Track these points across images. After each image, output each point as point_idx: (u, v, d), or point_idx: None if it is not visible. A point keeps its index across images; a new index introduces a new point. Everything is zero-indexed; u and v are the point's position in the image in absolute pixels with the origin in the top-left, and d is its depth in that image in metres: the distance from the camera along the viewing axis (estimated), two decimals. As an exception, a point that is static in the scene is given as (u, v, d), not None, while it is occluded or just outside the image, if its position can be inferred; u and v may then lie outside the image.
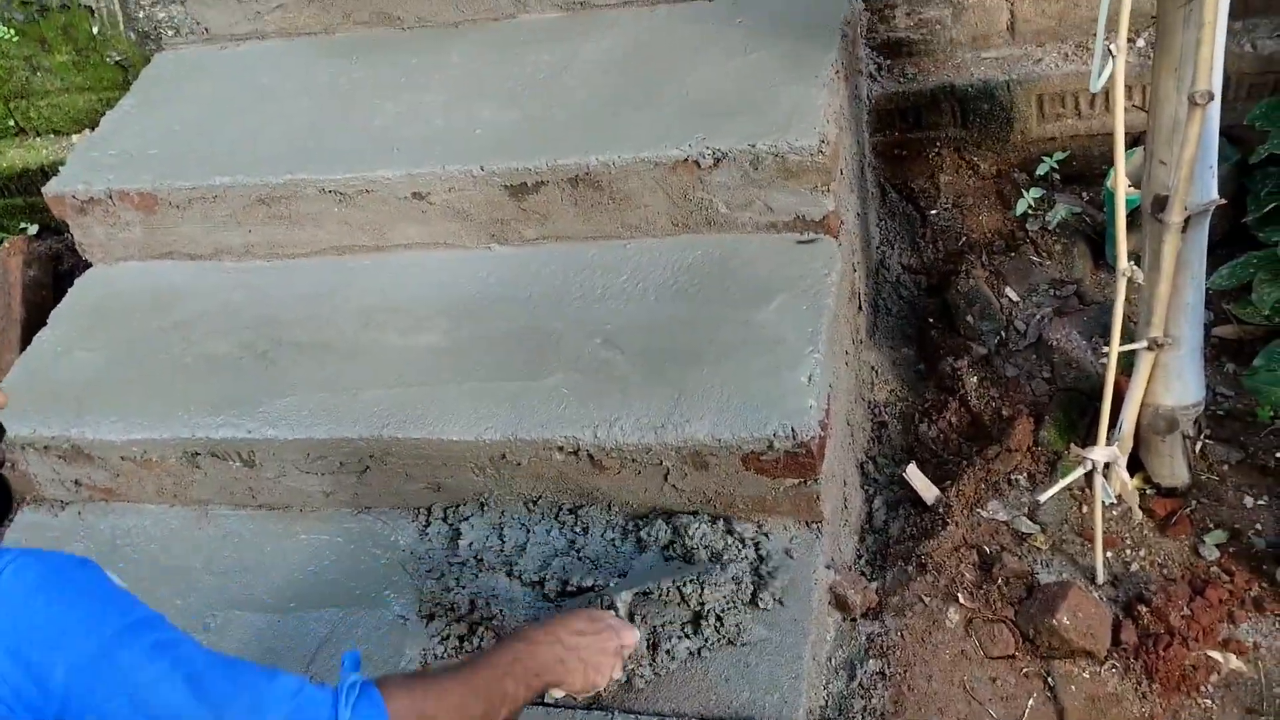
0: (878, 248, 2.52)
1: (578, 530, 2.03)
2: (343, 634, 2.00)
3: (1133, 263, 1.69)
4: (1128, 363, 1.88)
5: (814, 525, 1.95)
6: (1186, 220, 1.75)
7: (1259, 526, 1.93)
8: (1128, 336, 1.84)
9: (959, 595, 1.90)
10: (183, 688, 1.14)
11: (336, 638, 2.00)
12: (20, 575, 1.12)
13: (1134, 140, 2.44)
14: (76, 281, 2.60)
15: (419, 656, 1.92)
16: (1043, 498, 1.88)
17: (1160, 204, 1.76)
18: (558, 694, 1.55)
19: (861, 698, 1.82)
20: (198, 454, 2.16)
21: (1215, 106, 1.68)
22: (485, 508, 2.12)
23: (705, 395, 1.92)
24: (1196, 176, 1.72)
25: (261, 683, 1.19)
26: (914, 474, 2.09)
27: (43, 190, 2.52)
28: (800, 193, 2.09)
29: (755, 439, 1.84)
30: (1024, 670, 1.82)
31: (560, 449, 1.96)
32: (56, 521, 2.37)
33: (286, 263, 2.46)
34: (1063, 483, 1.86)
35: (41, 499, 2.42)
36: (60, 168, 2.57)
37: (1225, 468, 2.03)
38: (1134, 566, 1.92)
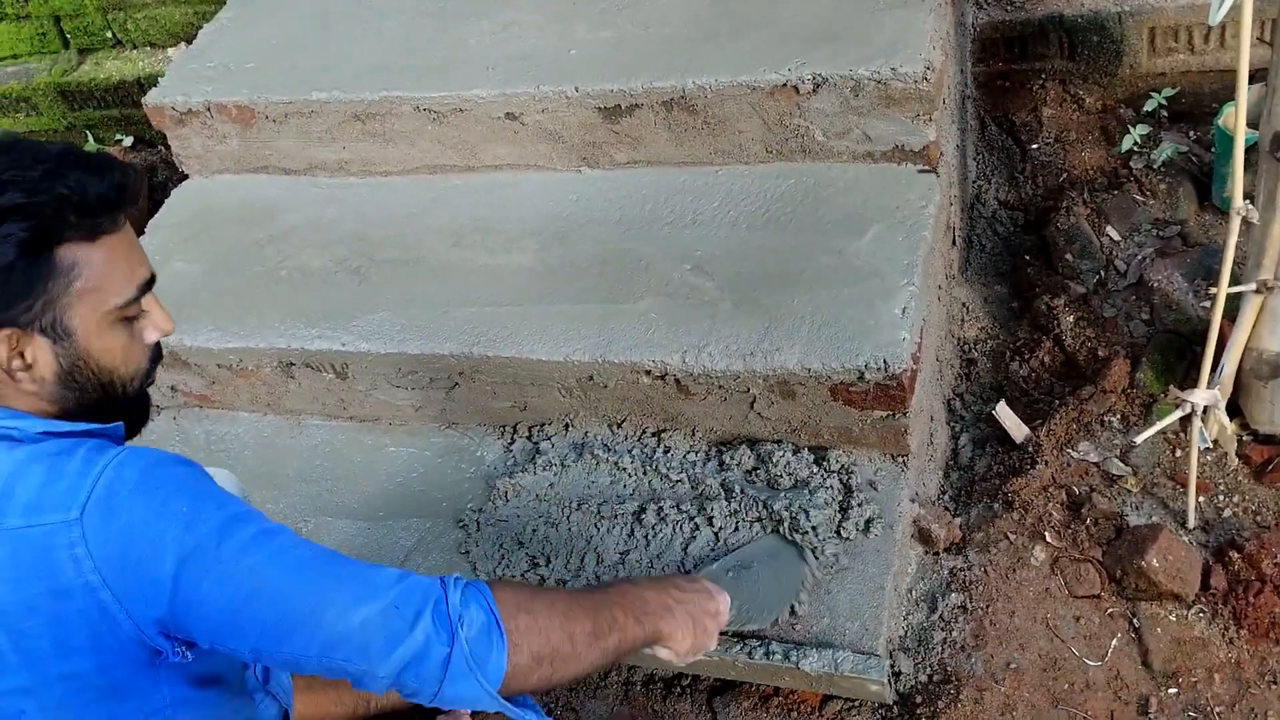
0: (974, 182, 2.47)
1: (661, 452, 2.04)
2: (430, 543, 2.05)
3: (1248, 202, 1.64)
4: (1231, 306, 1.83)
5: (900, 459, 1.94)
6: (1308, 159, 1.68)
7: (1360, 478, 1.88)
8: (1234, 279, 1.78)
9: (1045, 534, 1.89)
10: (291, 574, 1.17)
11: (424, 546, 2.05)
12: (121, 472, 1.15)
13: (1249, 78, 2.35)
14: (173, 192, 2.65)
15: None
16: (1139, 439, 1.85)
17: (1279, 143, 1.70)
18: (663, 653, 1.46)
19: (942, 629, 1.82)
20: (292, 364, 2.21)
21: (1347, 39, 1.61)
22: (570, 428, 2.15)
23: (796, 324, 1.91)
24: (1321, 114, 1.65)
25: (367, 570, 1.22)
26: (1004, 412, 2.07)
27: (142, 101, 2.57)
28: (901, 121, 2.05)
29: (845, 369, 1.83)
30: (1109, 610, 1.80)
31: (648, 373, 1.97)
32: (153, 426, 2.44)
33: (379, 180, 2.49)
34: (1160, 424, 1.82)
35: (140, 403, 2.50)
36: (158, 79, 2.61)
37: (1327, 417, 1.98)
38: (1226, 513, 1.89)
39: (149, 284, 1.27)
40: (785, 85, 2.06)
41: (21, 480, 1.14)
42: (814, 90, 2.05)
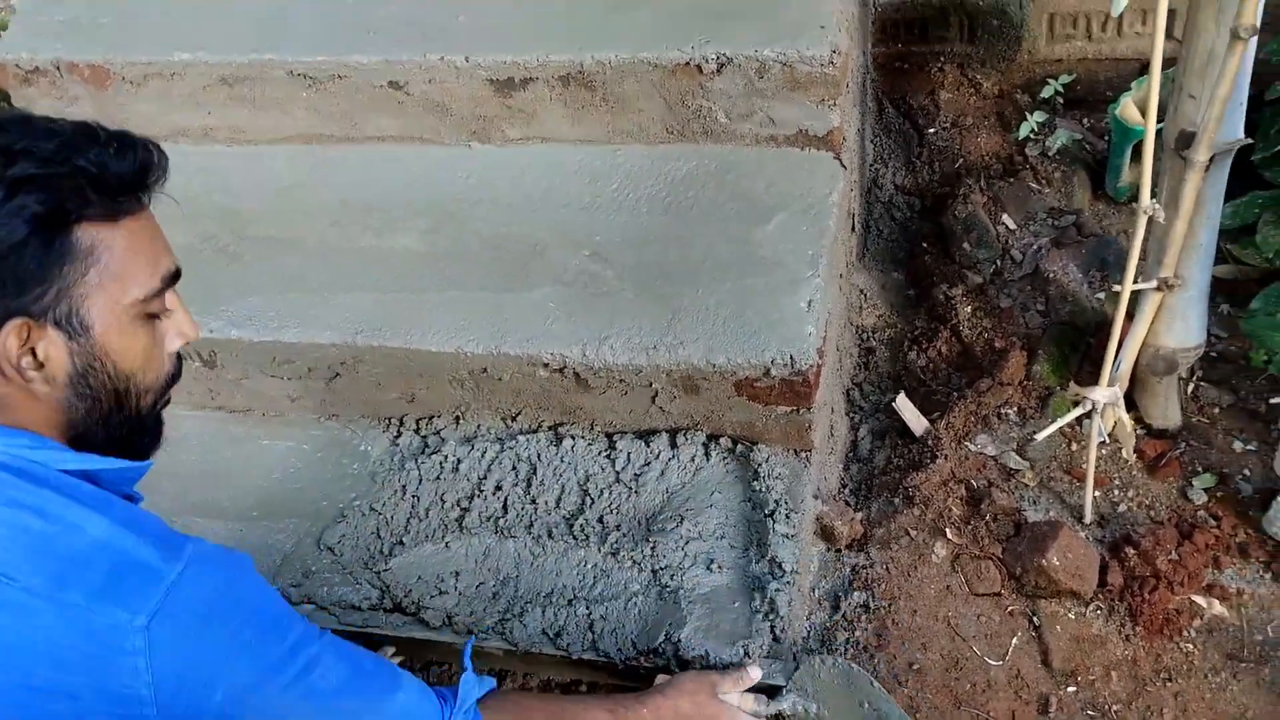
0: (872, 165, 2.43)
1: (559, 446, 1.96)
2: (307, 548, 1.92)
3: (1154, 201, 1.62)
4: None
5: (803, 454, 1.90)
6: (1210, 159, 1.68)
7: (1247, 472, 1.92)
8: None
9: (946, 530, 1.87)
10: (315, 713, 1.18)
11: (301, 552, 1.92)
12: (199, 588, 1.08)
13: (1141, 69, 2.37)
14: (18, 158, 2.41)
15: (391, 574, 1.85)
16: (1040, 436, 1.85)
17: (1186, 140, 1.69)
18: None
19: (845, 629, 1.79)
20: (155, 352, 2.04)
21: (1254, 42, 1.60)
22: (460, 421, 2.04)
23: (700, 316, 1.84)
24: (1226, 114, 1.65)
25: (384, 700, 1.25)
26: (904, 404, 2.04)
27: (-20, 56, 2.33)
28: (806, 105, 1.99)
29: (751, 365, 1.77)
30: (1009, 608, 1.80)
31: (545, 365, 1.87)
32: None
33: (250, 149, 2.31)
34: (1061, 421, 1.82)
35: None
36: (1, 32, 2.37)
37: (1216, 411, 2.01)
38: (1122, 508, 1.91)
39: (175, 277, 1.17)
40: (688, 64, 1.98)
41: (69, 538, 1.03)
42: (717, 70, 1.97)
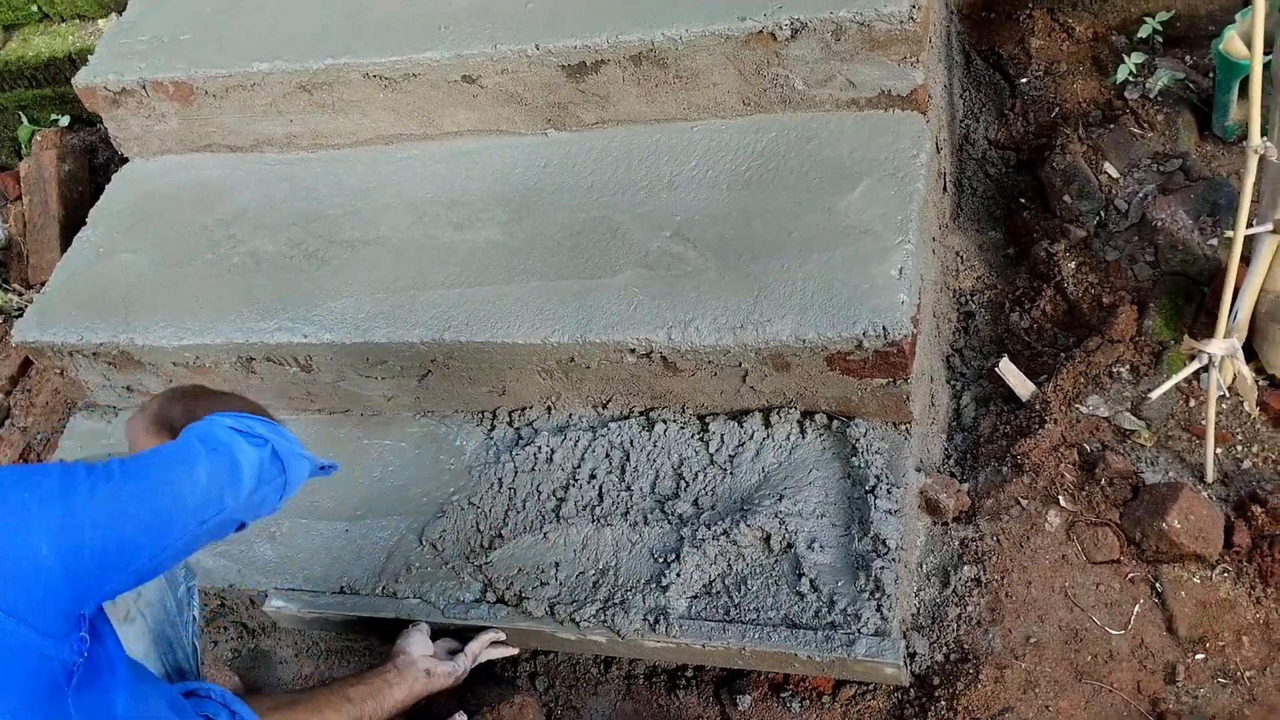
0: (961, 121, 2.34)
1: (651, 431, 1.93)
2: (411, 543, 1.94)
3: (1266, 139, 1.52)
4: (1244, 248, 1.72)
5: (902, 426, 1.84)
6: (1327, 88, 1.57)
7: (1383, 420, 1.80)
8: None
9: (1059, 497, 1.80)
10: (137, 484, 1.21)
11: (405, 546, 1.94)
12: None
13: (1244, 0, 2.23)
14: (114, 177, 2.49)
15: (492, 567, 1.86)
16: (1155, 394, 1.76)
17: (1298, 71, 1.58)
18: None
19: (956, 605, 1.74)
20: (252, 359, 2.08)
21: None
22: (552, 411, 2.04)
23: (787, 291, 1.79)
24: (1342, 39, 1.53)
25: (169, 452, 1.30)
26: (1007, 369, 1.97)
27: (73, 81, 2.39)
28: (887, 65, 1.91)
29: (843, 338, 1.72)
30: (1130, 575, 1.72)
31: (632, 351, 1.85)
32: (110, 428, 2.32)
33: (331, 153, 2.33)
34: (1177, 377, 1.73)
35: (94, 405, 2.37)
36: (89, 55, 2.43)
37: (1346, 357, 1.88)
38: (1245, 464, 1.80)
39: None
40: (761, 32, 1.92)
41: None
42: (792, 36, 1.91)
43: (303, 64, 2.19)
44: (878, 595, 1.66)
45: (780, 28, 1.91)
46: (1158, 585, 1.71)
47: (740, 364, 1.81)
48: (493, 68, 2.10)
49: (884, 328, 1.70)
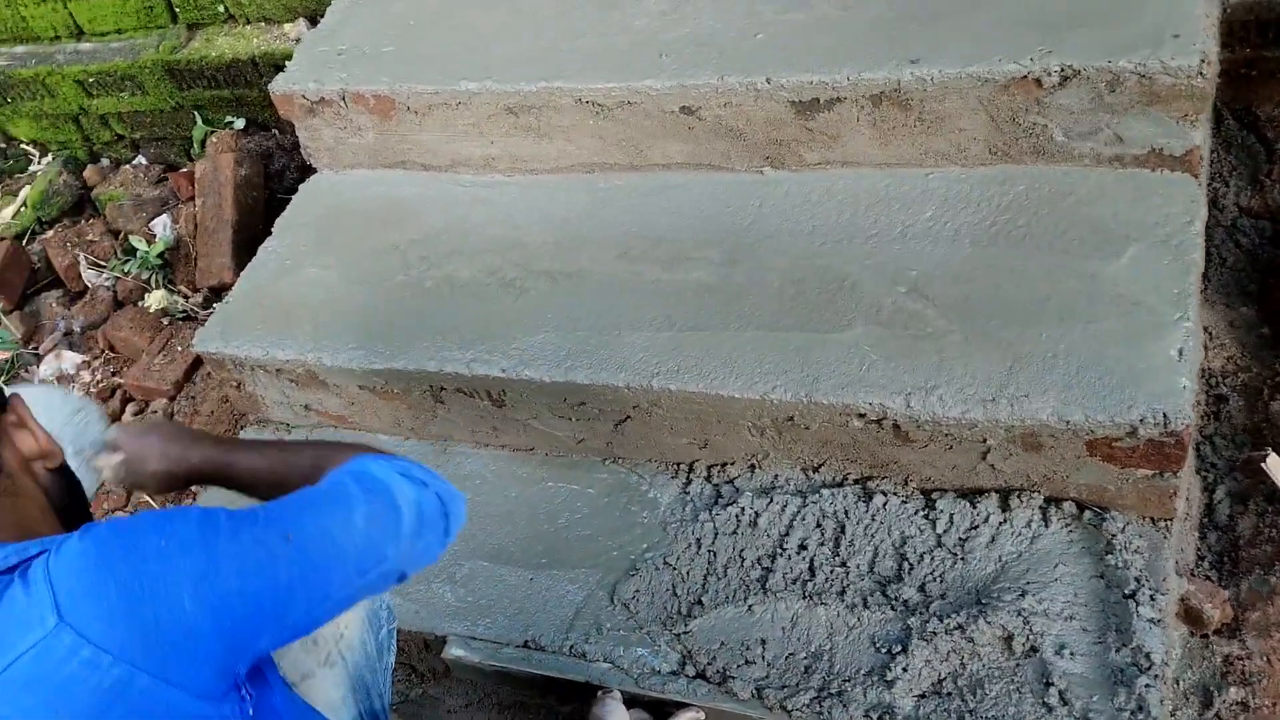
0: (1209, 185, 2.14)
1: (868, 503, 1.78)
2: (601, 600, 1.81)
3: None
4: None
5: (1162, 523, 1.65)
6: None
7: None
8: None
9: (1343, 619, 1.59)
10: (292, 524, 1.12)
11: (595, 605, 1.81)
12: (70, 557, 0.99)
13: None
14: (301, 188, 2.43)
15: (693, 638, 1.71)
16: None
17: None
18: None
19: (1221, 733, 1.54)
20: (443, 389, 1.98)
21: None
22: (756, 470, 1.89)
23: (1047, 364, 1.62)
24: None
25: (320, 493, 1.20)
26: (1276, 464, 1.76)
27: (269, 87, 2.34)
28: (1163, 121, 1.74)
29: (1115, 423, 1.54)
30: None
31: (862, 416, 1.70)
32: (284, 446, 2.24)
33: (529, 178, 2.23)
34: None
35: (267, 420, 2.30)
36: (274, 59, 2.37)
37: None
38: None
39: None
40: (1025, 77, 1.76)
41: None
42: (1060, 84, 1.75)
43: (514, 86, 2.09)
44: (1140, 716, 1.47)
45: (1048, 74, 1.74)
46: None
47: (985, 440, 1.65)
48: (716, 100, 1.98)
49: (1165, 415, 1.51)
